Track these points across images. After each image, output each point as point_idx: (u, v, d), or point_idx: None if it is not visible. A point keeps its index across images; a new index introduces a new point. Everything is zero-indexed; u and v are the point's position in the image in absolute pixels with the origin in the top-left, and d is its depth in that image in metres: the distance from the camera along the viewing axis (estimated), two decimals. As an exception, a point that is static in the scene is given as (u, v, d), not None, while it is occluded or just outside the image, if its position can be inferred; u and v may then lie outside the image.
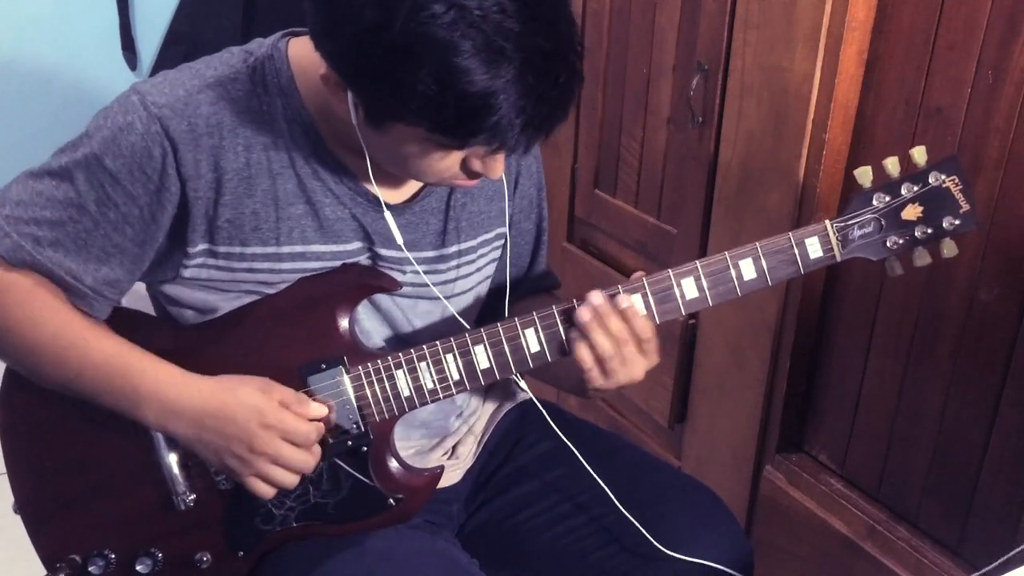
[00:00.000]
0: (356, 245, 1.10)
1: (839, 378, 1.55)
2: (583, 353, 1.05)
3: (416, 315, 1.17)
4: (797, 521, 1.61)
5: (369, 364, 1.07)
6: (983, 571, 1.13)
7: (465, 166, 1.00)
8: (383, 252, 1.11)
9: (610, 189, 2.00)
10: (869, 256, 1.07)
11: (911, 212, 1.05)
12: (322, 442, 1.06)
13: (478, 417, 1.32)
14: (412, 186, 1.14)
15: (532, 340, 1.07)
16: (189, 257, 1.05)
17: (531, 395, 1.25)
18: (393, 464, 1.11)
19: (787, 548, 1.64)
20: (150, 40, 2.67)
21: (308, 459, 1.05)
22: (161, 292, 1.11)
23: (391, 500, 1.10)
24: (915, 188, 1.05)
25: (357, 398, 1.07)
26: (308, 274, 1.08)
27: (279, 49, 1.06)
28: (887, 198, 1.05)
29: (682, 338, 1.79)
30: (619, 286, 1.07)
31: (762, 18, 1.48)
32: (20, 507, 1.13)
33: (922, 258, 1.07)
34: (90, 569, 1.10)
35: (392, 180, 1.10)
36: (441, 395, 1.08)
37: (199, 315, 1.10)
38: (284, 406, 1.03)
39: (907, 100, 1.35)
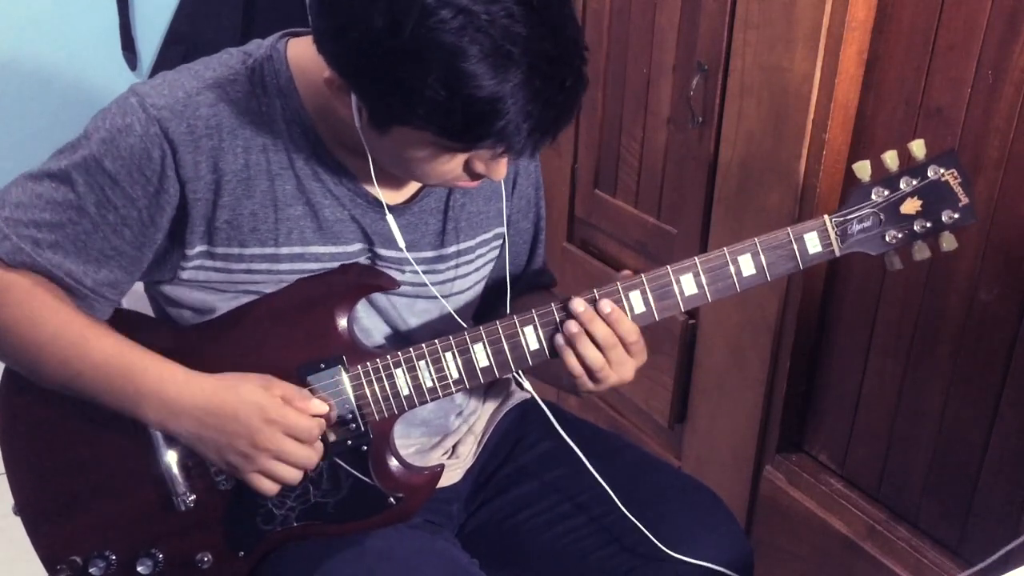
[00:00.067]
0: (356, 247, 1.10)
1: (839, 378, 1.55)
2: (572, 362, 1.06)
3: (414, 314, 1.17)
4: (797, 521, 1.61)
5: (368, 363, 1.07)
6: (982, 564, 1.13)
7: (468, 168, 1.00)
8: (383, 252, 1.11)
9: (610, 189, 2.00)
10: (868, 251, 1.07)
11: (910, 206, 1.05)
12: (322, 441, 1.06)
13: (478, 416, 1.32)
14: (411, 187, 1.14)
15: (531, 338, 1.07)
16: (187, 258, 1.05)
17: (534, 394, 1.25)
18: (393, 463, 1.11)
19: (787, 548, 1.64)
20: (150, 40, 2.66)
21: (311, 454, 1.05)
22: (160, 293, 1.11)
23: (391, 499, 1.10)
24: (914, 182, 1.05)
25: (356, 397, 1.07)
26: (307, 275, 1.08)
27: (278, 50, 1.06)
28: (886, 192, 1.05)
29: (682, 338, 1.79)
30: (617, 284, 1.07)
31: (762, 18, 1.48)
32: (20, 508, 1.13)
33: (921, 252, 1.07)
34: (91, 570, 1.10)
35: (391, 181, 1.10)
36: (440, 394, 1.08)
37: (197, 315, 1.10)
38: (286, 401, 1.03)
39: (907, 100, 1.35)
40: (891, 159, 1.05)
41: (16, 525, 1.13)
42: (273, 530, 1.10)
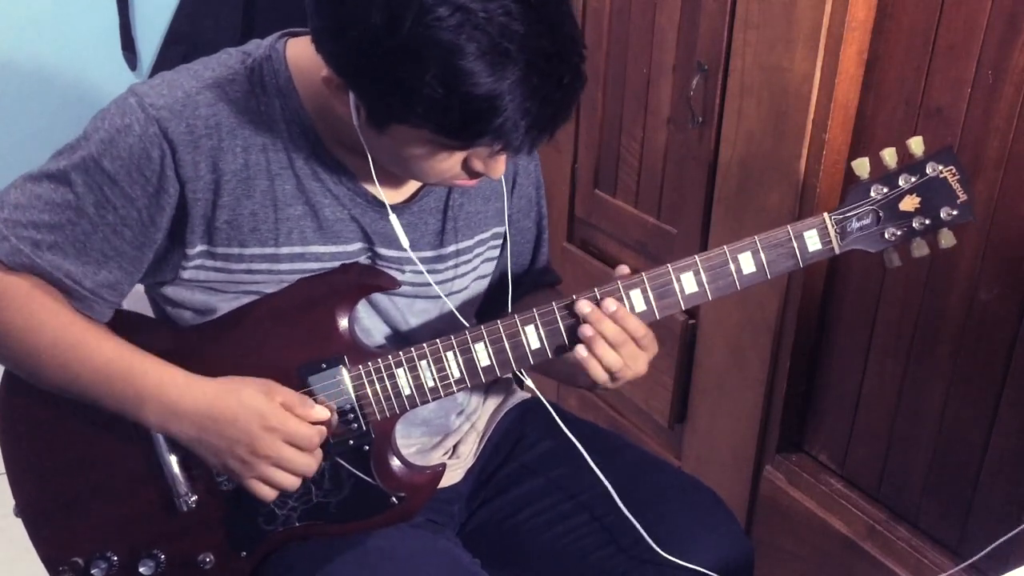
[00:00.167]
0: (356, 246, 1.10)
1: (839, 378, 1.55)
2: (596, 371, 1.06)
3: (414, 314, 1.17)
4: (797, 521, 1.61)
5: (369, 363, 1.07)
6: (978, 556, 1.13)
7: (467, 166, 1.00)
8: (383, 252, 1.11)
9: (610, 189, 2.01)
10: (867, 248, 1.07)
11: (909, 203, 1.05)
12: (323, 441, 1.06)
13: (479, 416, 1.32)
14: (411, 186, 1.14)
15: (532, 337, 1.07)
16: (188, 258, 1.05)
17: (537, 392, 1.25)
18: (395, 462, 1.11)
19: (787, 548, 1.64)
20: (150, 40, 2.66)
21: (310, 462, 1.05)
22: (160, 294, 1.11)
23: (393, 498, 1.10)
24: (912, 179, 1.05)
25: (358, 397, 1.07)
26: (307, 275, 1.08)
27: (277, 50, 1.06)
28: (885, 189, 1.05)
29: (682, 338, 1.79)
30: (618, 283, 1.07)
31: (762, 18, 1.48)
32: (21, 509, 1.13)
33: (920, 249, 1.07)
34: (92, 571, 1.10)
35: (391, 180, 1.10)
36: (442, 393, 1.08)
37: (198, 316, 1.10)
38: (287, 408, 1.03)
39: (907, 100, 1.35)
40: (890, 156, 1.05)
41: (17, 526, 1.13)
42: (275, 530, 1.10)
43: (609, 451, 1.27)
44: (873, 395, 1.49)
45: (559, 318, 1.07)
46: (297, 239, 1.07)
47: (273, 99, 1.04)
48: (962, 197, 1.05)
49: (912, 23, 1.32)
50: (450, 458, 1.27)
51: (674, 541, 1.17)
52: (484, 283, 1.26)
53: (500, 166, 1.00)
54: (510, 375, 1.30)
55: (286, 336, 1.08)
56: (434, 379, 1.08)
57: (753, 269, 1.07)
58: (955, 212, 1.05)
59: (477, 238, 1.21)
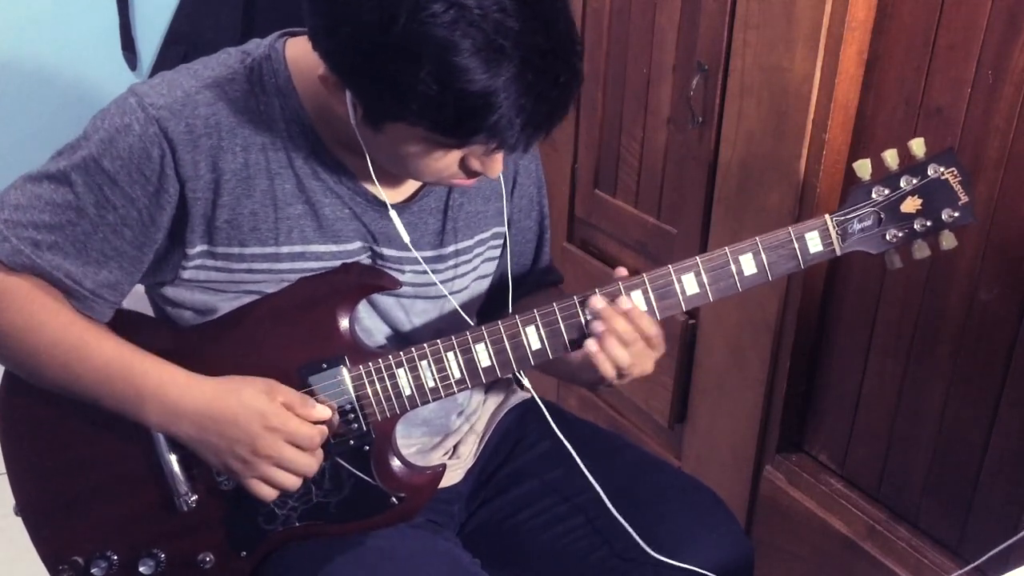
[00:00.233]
0: (357, 245, 1.10)
1: (839, 378, 1.55)
2: (606, 367, 1.06)
3: (414, 314, 1.17)
4: (797, 521, 1.61)
5: (370, 363, 1.07)
6: (982, 559, 1.13)
7: (464, 165, 1.00)
8: (384, 251, 1.11)
9: (610, 189, 2.01)
10: (869, 249, 1.07)
11: (910, 205, 1.05)
12: (324, 442, 1.06)
13: (479, 416, 1.32)
14: (411, 186, 1.14)
15: (533, 337, 1.07)
16: (188, 258, 1.05)
17: (534, 394, 1.25)
18: (395, 463, 1.11)
19: (787, 548, 1.65)
20: (150, 40, 2.66)
21: (311, 462, 1.05)
22: (160, 294, 1.11)
23: (393, 499, 1.10)
24: (914, 180, 1.05)
25: (358, 397, 1.07)
26: (308, 274, 1.08)
27: (276, 49, 1.06)
28: (886, 191, 1.05)
29: (682, 338, 1.79)
30: (619, 283, 1.07)
31: (762, 18, 1.48)
32: (21, 509, 1.13)
33: (921, 251, 1.07)
34: (92, 571, 1.10)
35: (391, 180, 1.10)
36: (443, 393, 1.08)
37: (198, 316, 1.10)
38: (288, 408, 1.03)
39: (907, 100, 1.35)
40: (891, 158, 1.05)
41: (17, 525, 1.13)
42: (275, 530, 1.10)
43: (609, 451, 1.27)
44: (873, 395, 1.49)
45: (560, 319, 1.07)
46: (297, 238, 1.07)
47: (273, 98, 1.04)
48: (963, 199, 1.05)
49: (912, 23, 1.32)
50: (450, 458, 1.27)
51: (674, 541, 1.17)
52: (485, 283, 1.26)
53: (497, 165, 1.00)
54: (510, 375, 1.30)
55: (287, 336, 1.08)
56: (435, 379, 1.08)
57: (754, 270, 1.07)
58: (956, 214, 1.05)
59: (477, 238, 1.21)
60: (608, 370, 1.06)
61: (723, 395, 1.74)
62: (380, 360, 1.07)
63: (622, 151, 1.95)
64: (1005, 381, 1.28)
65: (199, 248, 1.05)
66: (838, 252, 1.07)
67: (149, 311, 1.15)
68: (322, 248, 1.08)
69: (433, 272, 1.16)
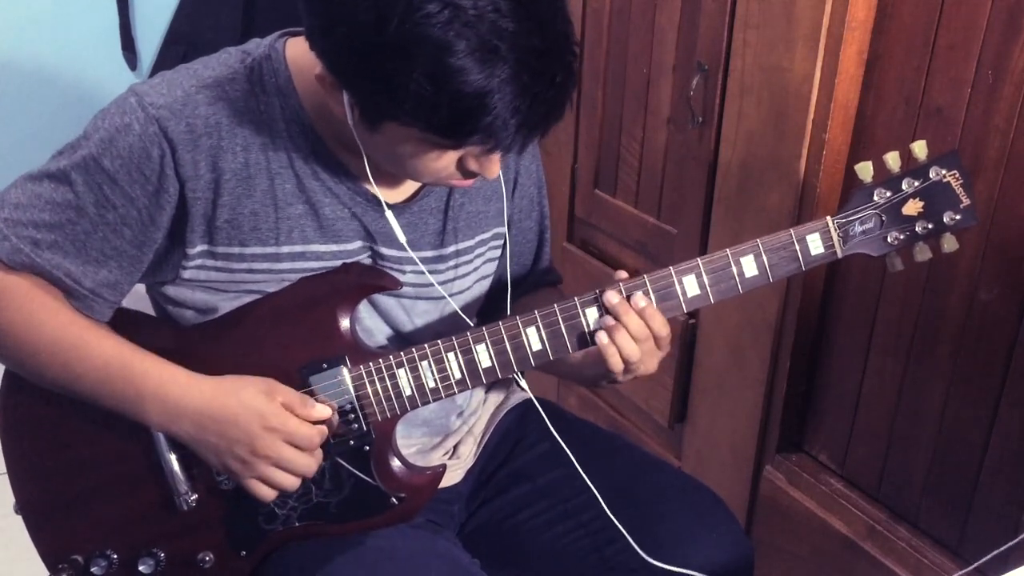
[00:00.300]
0: (357, 244, 1.10)
1: (839, 378, 1.55)
2: (614, 361, 1.06)
3: (416, 314, 1.17)
4: (797, 521, 1.61)
5: (371, 363, 1.07)
6: (982, 560, 1.13)
7: (461, 166, 1.00)
8: (384, 251, 1.11)
9: (610, 189, 2.01)
10: (870, 252, 1.07)
11: (912, 207, 1.05)
12: (323, 442, 1.06)
13: (479, 416, 1.32)
14: (411, 186, 1.14)
15: (534, 338, 1.07)
16: (188, 258, 1.05)
17: (531, 395, 1.25)
18: (395, 463, 1.11)
19: (787, 548, 1.65)
20: (150, 40, 2.67)
21: (310, 462, 1.05)
22: (161, 293, 1.11)
23: (393, 499, 1.10)
24: (916, 183, 1.05)
25: (359, 397, 1.07)
26: (308, 274, 1.08)
27: (277, 49, 1.06)
28: (888, 193, 1.05)
29: (682, 338, 1.79)
30: (620, 285, 1.07)
31: (762, 18, 1.48)
32: (21, 507, 1.13)
33: (923, 253, 1.07)
34: (92, 570, 1.10)
35: (391, 179, 1.10)
36: (443, 394, 1.08)
37: (199, 315, 1.10)
38: (288, 408, 1.03)
39: (907, 100, 1.35)
40: (893, 160, 1.05)
41: (17, 524, 1.13)
42: (275, 530, 1.10)
43: (609, 451, 1.27)
44: (873, 395, 1.49)
45: (561, 320, 1.07)
46: (298, 238, 1.07)
47: (273, 98, 1.04)
48: (965, 201, 1.05)
49: (912, 23, 1.32)
50: (450, 458, 1.27)
51: (674, 541, 1.17)
52: (486, 284, 1.26)
53: (495, 166, 1.00)
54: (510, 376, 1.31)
55: (287, 335, 1.08)
56: (435, 380, 1.08)
57: (755, 272, 1.07)
58: (958, 217, 1.05)
59: (478, 238, 1.21)
60: (616, 363, 1.06)
61: (723, 395, 1.74)
62: (380, 360, 1.07)
63: (622, 151, 1.95)
64: (1005, 381, 1.28)
65: (199, 248, 1.05)
66: (839, 254, 1.07)
67: (150, 310, 1.15)
68: (322, 248, 1.08)
69: (434, 272, 1.16)
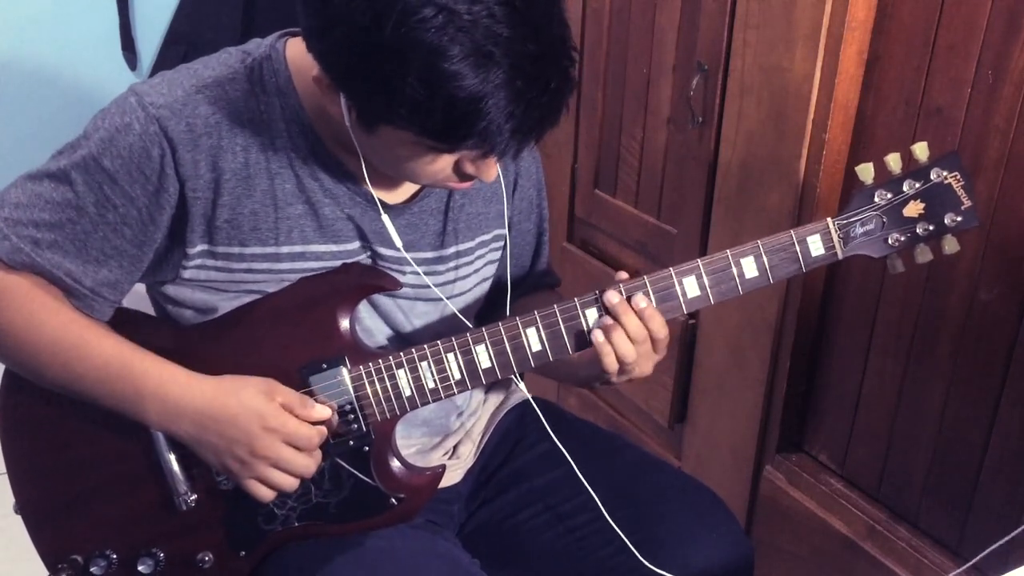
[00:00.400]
0: (356, 245, 1.10)
1: (839, 378, 1.55)
2: (609, 360, 1.06)
3: (416, 315, 1.17)
4: (797, 521, 1.61)
5: (370, 363, 1.07)
6: (979, 556, 1.13)
7: (458, 168, 1.00)
8: (383, 252, 1.11)
9: (610, 189, 2.01)
10: (871, 253, 1.07)
11: (913, 209, 1.05)
12: (323, 442, 1.06)
13: (479, 417, 1.32)
14: (411, 187, 1.14)
15: (534, 339, 1.07)
16: (188, 258, 1.05)
17: (528, 397, 1.25)
18: (395, 463, 1.11)
19: (787, 548, 1.65)
20: (150, 40, 2.66)
21: (309, 463, 1.05)
22: (161, 293, 1.11)
23: (393, 499, 1.10)
24: (917, 185, 1.05)
25: (358, 397, 1.07)
26: (308, 274, 1.08)
27: (277, 49, 1.06)
28: (889, 195, 1.05)
29: (682, 338, 1.79)
30: (620, 286, 1.07)
31: (762, 18, 1.48)
32: (21, 507, 1.13)
33: (924, 255, 1.07)
34: (92, 569, 1.10)
35: (391, 181, 1.10)
36: (443, 394, 1.08)
37: (199, 315, 1.10)
38: (287, 409, 1.03)
39: (907, 100, 1.35)
40: (894, 161, 1.05)
41: (17, 524, 1.13)
42: (274, 530, 1.10)
43: (609, 451, 1.27)
44: (873, 395, 1.49)
45: (561, 321, 1.07)
46: (297, 238, 1.07)
47: (273, 98, 1.04)
48: (966, 203, 1.05)
49: (912, 23, 1.32)
50: (450, 459, 1.27)
51: (674, 541, 1.17)
52: (487, 285, 1.26)
53: (491, 169, 1.00)
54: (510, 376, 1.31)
55: (287, 336, 1.08)
56: (435, 380, 1.08)
57: (756, 273, 1.07)
58: (959, 218, 1.05)
59: (478, 239, 1.21)
60: (611, 364, 1.06)
61: (723, 395, 1.74)
62: (380, 360, 1.07)
63: (622, 151, 1.95)
64: (1005, 381, 1.28)
65: (199, 248, 1.05)
66: (840, 256, 1.07)
67: (150, 310, 1.15)
68: (322, 248, 1.08)
69: (434, 273, 1.16)
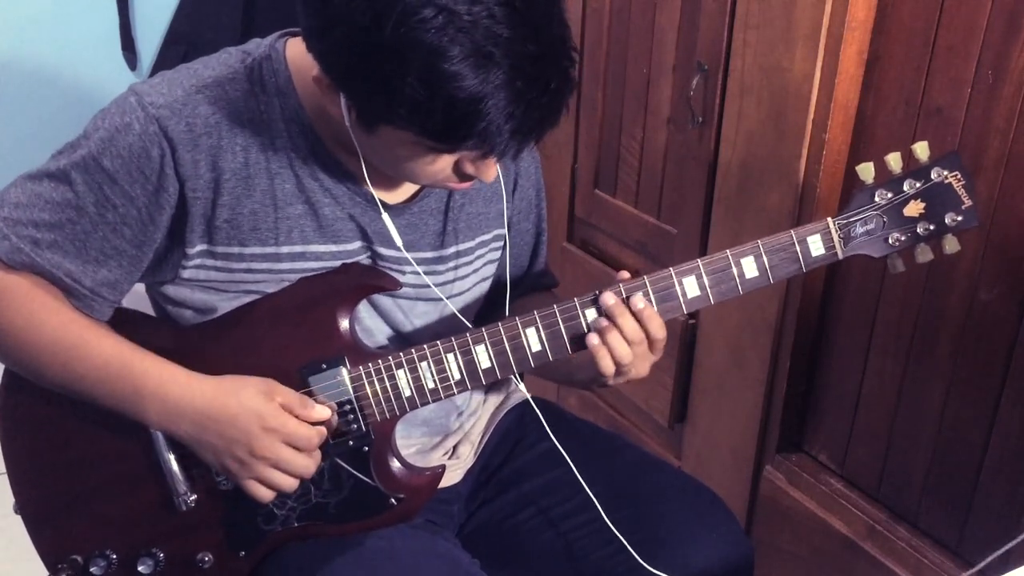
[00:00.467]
0: (356, 245, 1.10)
1: (839, 378, 1.55)
2: (605, 363, 1.06)
3: (416, 315, 1.17)
4: (797, 521, 1.61)
5: (370, 364, 1.07)
6: (984, 562, 1.13)
7: (457, 169, 1.00)
8: (382, 252, 1.11)
9: (610, 189, 2.01)
10: (871, 253, 1.07)
11: (913, 208, 1.05)
12: (322, 443, 1.06)
13: (478, 416, 1.32)
14: (411, 187, 1.14)
15: (533, 339, 1.07)
16: (188, 258, 1.05)
17: (528, 397, 1.25)
18: (394, 464, 1.11)
19: (787, 548, 1.64)
20: (150, 40, 2.66)
21: (309, 463, 1.05)
22: (160, 293, 1.11)
23: (393, 500, 1.10)
24: (917, 184, 1.05)
25: (358, 398, 1.07)
26: (308, 274, 1.08)
27: (277, 49, 1.06)
28: (889, 195, 1.05)
29: (682, 338, 1.79)
30: (620, 286, 1.07)
31: (762, 18, 1.48)
32: (21, 507, 1.13)
33: (924, 255, 1.07)
34: (91, 569, 1.10)
35: (391, 180, 1.10)
36: (442, 395, 1.08)
37: (198, 315, 1.10)
38: (287, 409, 1.03)
39: (907, 100, 1.35)
40: (895, 161, 1.05)
41: (16, 524, 1.13)
42: (274, 530, 1.10)
43: (609, 451, 1.27)
44: (873, 395, 1.49)
45: (560, 321, 1.07)
46: (297, 238, 1.07)
47: (273, 98, 1.04)
48: (967, 203, 1.05)
49: (912, 23, 1.32)
50: (450, 459, 1.27)
51: (674, 541, 1.17)
52: (487, 285, 1.26)
53: (491, 169, 1.00)
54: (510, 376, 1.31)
55: (287, 336, 1.08)
56: (434, 380, 1.08)
57: (756, 273, 1.07)
58: (960, 218, 1.05)
59: (478, 239, 1.21)
60: (607, 366, 1.06)
61: (723, 395, 1.74)
62: (380, 361, 1.07)
63: (622, 151, 1.95)
64: (1005, 381, 1.28)
65: (199, 247, 1.05)
66: (840, 255, 1.07)
67: (150, 310, 1.15)
68: (322, 248, 1.08)
69: (434, 273, 1.16)
